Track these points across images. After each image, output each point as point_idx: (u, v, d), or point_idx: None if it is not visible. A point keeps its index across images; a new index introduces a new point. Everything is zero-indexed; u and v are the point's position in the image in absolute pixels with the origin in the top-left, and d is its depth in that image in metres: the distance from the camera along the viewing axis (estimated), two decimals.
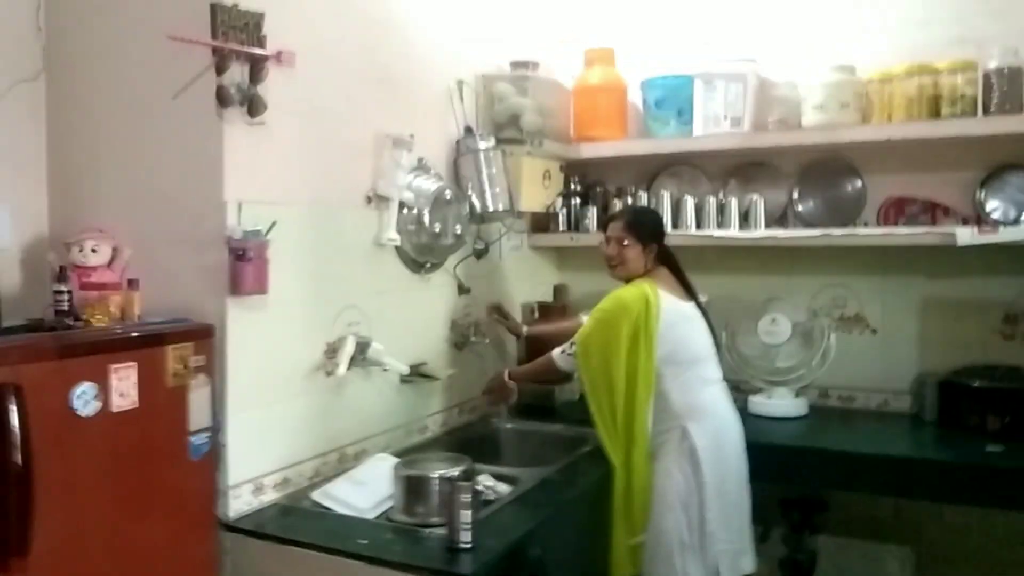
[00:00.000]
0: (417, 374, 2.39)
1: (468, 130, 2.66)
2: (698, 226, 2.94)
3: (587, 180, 3.26)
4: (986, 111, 2.53)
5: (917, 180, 2.81)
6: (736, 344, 2.92)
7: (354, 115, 2.21)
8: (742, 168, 3.07)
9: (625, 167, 3.20)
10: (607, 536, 2.22)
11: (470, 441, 2.55)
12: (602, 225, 2.59)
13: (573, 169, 3.19)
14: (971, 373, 2.63)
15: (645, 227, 2.35)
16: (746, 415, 2.84)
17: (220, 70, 1.75)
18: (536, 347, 3.04)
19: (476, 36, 2.78)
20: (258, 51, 1.81)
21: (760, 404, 2.85)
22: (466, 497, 1.64)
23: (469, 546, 1.63)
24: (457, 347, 2.67)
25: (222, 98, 1.75)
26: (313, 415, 2.06)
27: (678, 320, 2.28)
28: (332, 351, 2.08)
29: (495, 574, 1.62)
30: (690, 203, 2.94)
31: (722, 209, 2.91)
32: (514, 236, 3.06)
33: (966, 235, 2.49)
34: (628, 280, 2.34)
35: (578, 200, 3.20)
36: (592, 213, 3.13)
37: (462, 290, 2.68)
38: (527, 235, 3.16)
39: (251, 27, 1.81)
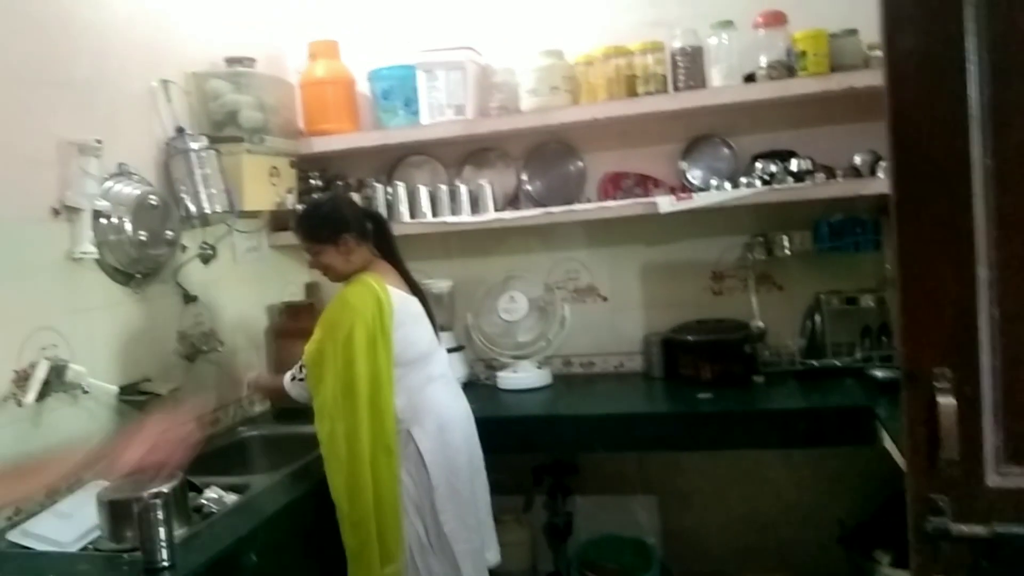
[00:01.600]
0: (137, 392, 2.26)
1: (179, 130, 2.54)
2: (434, 214, 2.98)
3: (327, 175, 3.23)
4: (676, 88, 2.75)
5: (629, 155, 3.01)
6: (480, 324, 3.02)
7: (29, 123, 2.04)
8: (474, 154, 3.15)
9: (362, 159, 3.19)
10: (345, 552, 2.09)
11: (210, 454, 2.45)
12: None
13: (310, 164, 3.14)
14: (686, 329, 2.87)
15: (321, 225, 2.21)
16: (496, 390, 2.97)
17: None
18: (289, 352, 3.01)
19: (184, 34, 2.67)
20: None
21: (507, 379, 2.96)
22: (158, 514, 1.58)
23: (166, 564, 1.57)
24: (189, 359, 2.56)
25: None
26: (7, 449, 1.89)
27: (406, 319, 2.18)
28: (22, 379, 1.93)
29: None
30: (423, 191, 2.99)
31: (454, 195, 2.98)
32: (251, 236, 2.97)
33: (666, 203, 2.70)
34: (346, 279, 2.21)
35: (319, 195, 3.16)
36: None
37: (188, 298, 2.57)
38: (266, 234, 3.08)
39: None
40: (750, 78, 2.67)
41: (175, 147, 2.50)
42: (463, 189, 2.98)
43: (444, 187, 3.00)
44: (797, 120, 2.79)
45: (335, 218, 2.21)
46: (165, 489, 1.73)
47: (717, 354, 2.75)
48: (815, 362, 2.78)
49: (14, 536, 1.80)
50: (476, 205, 2.99)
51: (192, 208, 2.47)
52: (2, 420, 1.89)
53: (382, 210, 2.91)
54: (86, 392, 2.05)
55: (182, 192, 2.47)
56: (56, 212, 2.09)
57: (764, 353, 2.82)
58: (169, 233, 2.36)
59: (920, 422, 1.22)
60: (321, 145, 3.02)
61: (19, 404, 1.92)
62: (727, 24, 2.69)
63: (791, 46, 2.62)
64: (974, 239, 1.19)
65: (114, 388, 2.16)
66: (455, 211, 2.97)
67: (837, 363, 2.76)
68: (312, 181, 3.16)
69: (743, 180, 2.72)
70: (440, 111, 2.93)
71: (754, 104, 2.68)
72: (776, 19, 2.66)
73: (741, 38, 2.69)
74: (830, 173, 2.70)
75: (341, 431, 2.06)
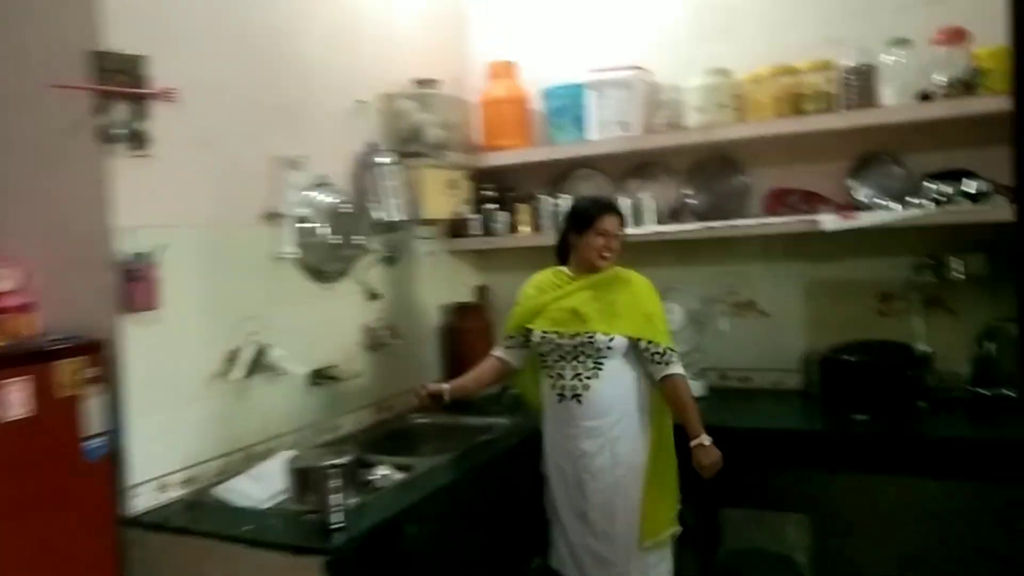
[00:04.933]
0: (325, 376, 2.57)
1: (371, 146, 2.84)
2: None
3: (500, 186, 3.45)
4: (847, 106, 2.73)
5: (794, 172, 3.00)
6: None
7: (250, 141, 2.39)
8: (639, 168, 3.26)
9: (532, 173, 3.39)
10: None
11: (383, 436, 2.74)
12: (590, 218, 2.45)
13: (485, 177, 3.38)
14: (847, 349, 2.82)
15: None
16: None
17: (102, 110, 1.94)
18: (458, 348, 3.26)
19: (378, 58, 2.97)
20: (138, 91, 2.00)
21: None
22: (335, 483, 1.83)
23: (340, 526, 1.82)
24: (371, 349, 2.86)
25: (104, 135, 1.94)
26: (216, 417, 2.25)
27: None
28: (231, 358, 2.27)
29: (362, 549, 1.81)
30: None
31: None
32: (429, 242, 3.25)
33: (830, 221, 2.68)
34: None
35: (495, 205, 3.39)
36: (504, 217, 3.33)
37: (373, 296, 2.86)
38: (443, 241, 3.35)
39: (132, 69, 2.00)
40: (925, 96, 2.60)
41: (367, 161, 2.80)
42: (626, 202, 3.09)
43: None
44: (977, 140, 2.67)
45: None
46: (342, 462, 1.99)
47: (878, 376, 2.70)
48: (986, 391, 2.65)
49: (218, 491, 2.13)
50: (639, 217, 3.10)
51: (380, 216, 2.76)
52: (215, 392, 2.24)
53: (548, 221, 3.10)
54: (284, 373, 2.37)
55: (371, 201, 2.77)
56: (266, 218, 2.43)
57: (930, 379, 2.72)
58: (359, 237, 2.66)
59: None
60: (496, 159, 3.25)
61: (229, 380, 2.26)
62: (903, 41, 2.63)
63: (972, 64, 2.53)
64: None
65: (305, 371, 2.48)
66: None
67: (1010, 393, 2.61)
68: (485, 192, 3.40)
69: (913, 200, 2.65)
70: (608, 128, 3.07)
71: (929, 123, 2.61)
72: (957, 36, 2.57)
73: (918, 56, 2.63)
74: (1012, 195, 2.57)
75: None
